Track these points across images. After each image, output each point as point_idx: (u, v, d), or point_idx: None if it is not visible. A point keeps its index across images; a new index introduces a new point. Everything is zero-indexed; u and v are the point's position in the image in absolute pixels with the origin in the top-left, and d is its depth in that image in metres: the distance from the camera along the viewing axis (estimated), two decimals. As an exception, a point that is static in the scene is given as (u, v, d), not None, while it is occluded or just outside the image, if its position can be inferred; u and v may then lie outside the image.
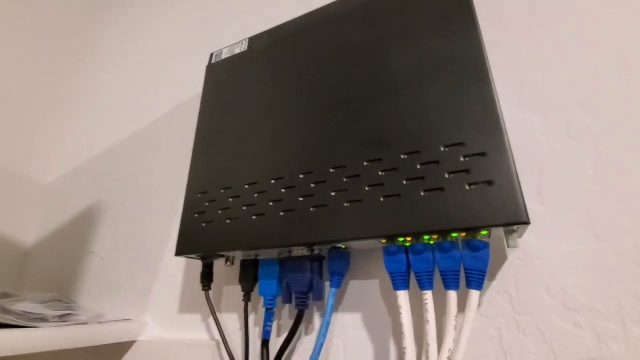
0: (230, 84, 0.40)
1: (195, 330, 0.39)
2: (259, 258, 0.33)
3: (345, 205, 0.27)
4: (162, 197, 0.50)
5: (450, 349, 0.22)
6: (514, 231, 0.23)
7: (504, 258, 0.27)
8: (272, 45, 0.39)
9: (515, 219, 0.21)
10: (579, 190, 0.26)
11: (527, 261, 0.26)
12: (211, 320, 0.38)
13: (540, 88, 0.30)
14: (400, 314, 0.24)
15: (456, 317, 0.22)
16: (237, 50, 0.41)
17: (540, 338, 0.24)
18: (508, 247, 0.23)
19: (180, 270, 0.43)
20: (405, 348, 0.23)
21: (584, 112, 0.28)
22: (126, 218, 0.53)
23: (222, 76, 0.41)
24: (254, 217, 0.30)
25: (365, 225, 0.25)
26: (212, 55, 0.44)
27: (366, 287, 0.31)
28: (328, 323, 0.27)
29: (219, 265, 0.37)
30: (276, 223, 0.29)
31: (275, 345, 0.32)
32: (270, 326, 0.30)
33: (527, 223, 0.21)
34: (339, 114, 0.30)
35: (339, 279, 0.29)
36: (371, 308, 0.30)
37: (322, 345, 0.27)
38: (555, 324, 0.24)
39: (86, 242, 0.55)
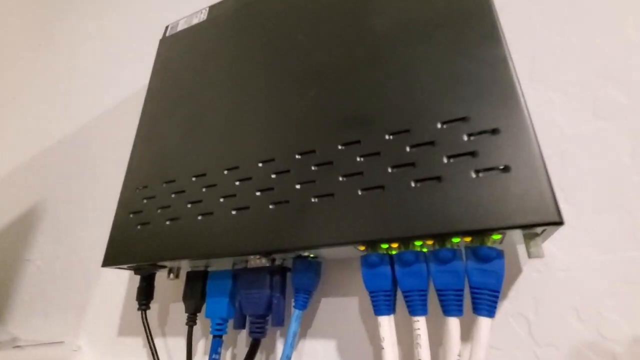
0: (184, 58, 0.33)
1: (135, 358, 0.31)
2: (209, 269, 0.27)
3: (313, 200, 0.20)
4: (111, 198, 0.43)
5: (452, 403, 0.15)
6: (536, 235, 0.17)
7: (517, 270, 0.21)
8: (235, 12, 0.32)
9: (543, 218, 0.15)
10: (613, 183, 0.20)
11: (548, 275, 0.20)
12: (158, 345, 0.31)
13: (558, 60, 0.24)
14: (383, 348, 0.18)
15: (459, 355, 0.16)
16: (195, 21, 0.35)
17: (569, 379, 0.18)
18: (530, 256, 0.17)
19: (123, 284, 0.36)
20: (388, 398, 0.17)
21: (614, 87, 0.22)
22: (69, 221, 0.45)
23: (175, 50, 0.34)
24: (199, 217, 0.24)
25: (337, 227, 0.19)
26: (166, 28, 0.37)
27: (342, 306, 0.24)
28: (287, 358, 0.21)
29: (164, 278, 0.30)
30: (226, 224, 0.23)
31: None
32: (217, 359, 0.23)
33: (560, 223, 0.15)
34: (310, 88, 0.24)
35: (304, 297, 0.22)
36: (348, 334, 0.23)
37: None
38: (587, 359, 0.18)
39: (22, 248, 0.47)
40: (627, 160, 0.20)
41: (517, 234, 0.17)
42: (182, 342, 0.29)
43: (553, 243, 0.20)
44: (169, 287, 0.32)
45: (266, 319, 0.23)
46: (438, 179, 0.18)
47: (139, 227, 0.26)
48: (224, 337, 0.25)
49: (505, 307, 0.20)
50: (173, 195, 0.26)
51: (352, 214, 0.19)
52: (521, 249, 0.21)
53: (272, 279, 0.23)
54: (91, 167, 0.47)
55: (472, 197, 0.17)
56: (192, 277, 0.26)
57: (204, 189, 0.25)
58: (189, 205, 0.25)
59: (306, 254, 0.21)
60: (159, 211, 0.26)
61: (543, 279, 0.20)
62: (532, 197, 0.16)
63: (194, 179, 0.26)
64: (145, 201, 0.27)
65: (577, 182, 0.21)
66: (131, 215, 0.27)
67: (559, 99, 0.23)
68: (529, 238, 0.17)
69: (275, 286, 0.23)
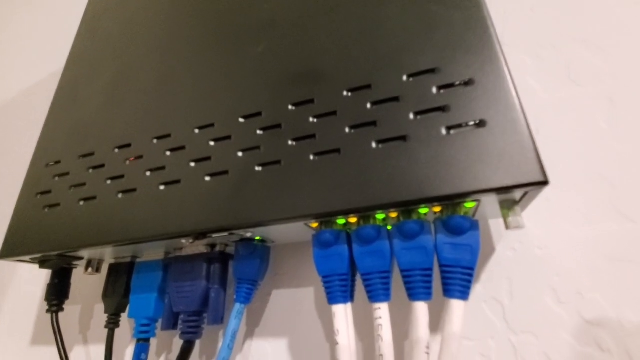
0: (111, 15, 0.28)
1: (51, 371, 0.26)
2: (137, 261, 0.22)
3: (257, 169, 0.17)
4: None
5: (419, 407, 0.12)
6: (515, 202, 0.14)
7: (490, 249, 0.18)
8: (177, -34, 0.28)
9: (526, 178, 0.12)
10: (591, 151, 0.18)
11: (523, 253, 0.18)
12: (76, 357, 0.26)
13: (531, 21, 0.22)
14: (337, 343, 0.14)
15: (428, 347, 0.13)
16: (131, -25, 0.30)
17: (549, 370, 0.16)
18: (508, 227, 0.14)
19: (39, 283, 0.30)
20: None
21: (590, 51, 0.21)
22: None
23: (102, 7, 0.29)
24: (119, 195, 0.19)
25: (283, 200, 0.16)
26: (98, -16, 0.32)
27: (296, 299, 0.21)
28: (225, 360, 0.17)
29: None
30: (152, 202, 0.18)
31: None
32: (141, 367, 0.19)
33: (545, 182, 0.12)
34: (258, 43, 0.21)
35: (248, 288, 0.18)
36: (302, 330, 0.20)
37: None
38: (569, 347, 0.16)
39: None
40: (605, 126, 0.19)
41: (493, 202, 0.14)
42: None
43: (528, 218, 0.18)
44: (96, 285, 0.27)
45: (202, 316, 0.19)
46: (403, 138, 0.15)
47: (46, 210, 0.21)
48: (153, 341, 0.21)
49: (477, 292, 0.18)
50: (90, 171, 0.21)
51: (302, 184, 0.16)
52: (495, 224, 0.19)
53: (209, 268, 0.19)
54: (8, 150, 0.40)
55: (443, 158, 0.14)
56: (114, 270, 0.22)
57: (127, 162, 0.20)
58: (109, 182, 0.20)
59: (249, 235, 0.18)
60: (71, 190, 0.21)
61: (518, 258, 0.18)
62: (511, 155, 0.13)
63: (116, 150, 0.21)
64: (56, 179, 0.22)
65: (553, 151, 0.19)
66: (38, 196, 0.22)
67: (533, 63, 0.21)
68: (506, 207, 0.14)
69: (213, 277, 0.19)
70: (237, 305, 0.18)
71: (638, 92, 0.19)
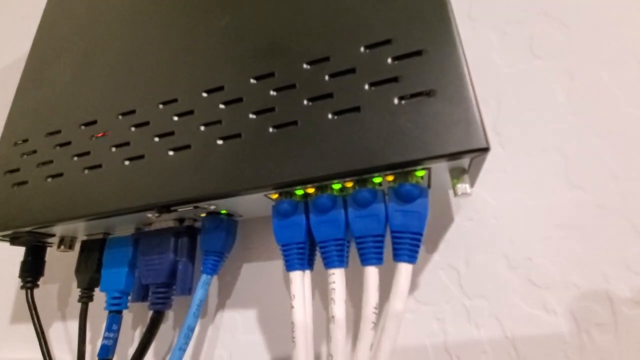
0: (81, -10, 0.28)
1: (31, 348, 0.27)
2: (110, 236, 0.22)
3: (218, 143, 0.17)
4: None
5: (365, 362, 0.13)
6: (464, 171, 0.15)
7: (449, 220, 0.19)
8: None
9: (469, 144, 0.13)
10: (548, 124, 0.19)
11: (480, 223, 0.18)
12: (55, 333, 0.26)
13: (496, -4, 0.22)
14: (293, 307, 0.15)
15: (376, 307, 0.14)
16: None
17: (498, 330, 0.17)
18: (455, 193, 0.15)
19: (14, 262, 0.30)
20: (296, 364, 0.14)
21: (551, 25, 0.21)
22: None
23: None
24: (85, 171, 0.20)
25: (243, 172, 0.16)
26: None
27: (265, 271, 0.21)
28: (190, 329, 0.18)
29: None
30: (117, 177, 0.19)
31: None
32: (112, 338, 0.20)
33: (486, 149, 0.13)
34: (221, 18, 0.20)
35: (214, 260, 0.19)
36: (271, 301, 0.21)
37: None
38: (518, 309, 0.17)
39: None
40: (562, 100, 0.19)
41: (443, 170, 0.15)
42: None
43: (485, 189, 0.19)
44: (73, 263, 0.27)
45: (171, 288, 0.19)
46: (357, 109, 0.15)
47: (14, 188, 0.21)
48: (126, 313, 0.21)
49: (435, 260, 0.19)
50: (57, 149, 0.21)
51: (262, 156, 0.16)
52: (454, 196, 0.19)
53: (177, 242, 0.19)
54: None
55: (394, 128, 0.14)
56: (86, 246, 0.22)
57: (93, 138, 0.20)
58: (75, 159, 0.20)
59: (212, 208, 0.18)
60: (39, 168, 0.21)
61: (475, 227, 0.18)
62: (457, 123, 0.13)
63: (82, 127, 0.21)
64: (24, 157, 0.22)
65: (512, 124, 0.19)
66: (6, 175, 0.22)
67: (497, 38, 0.21)
68: (456, 176, 0.15)
69: (181, 250, 0.19)
70: (204, 276, 0.19)
71: (597, 67, 0.19)
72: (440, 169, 0.15)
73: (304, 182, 0.15)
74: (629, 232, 0.16)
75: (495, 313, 0.17)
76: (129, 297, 0.20)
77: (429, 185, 0.17)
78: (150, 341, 0.19)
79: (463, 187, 0.14)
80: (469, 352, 0.17)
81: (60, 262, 0.28)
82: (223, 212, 0.19)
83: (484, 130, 0.13)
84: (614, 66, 0.19)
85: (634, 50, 0.19)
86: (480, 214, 0.19)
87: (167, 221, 0.20)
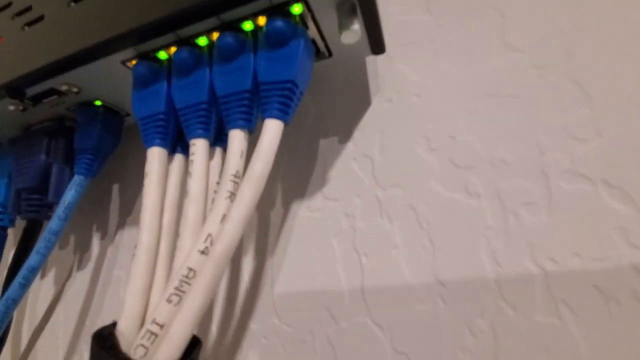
0: None
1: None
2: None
3: (71, 6, 0.14)
4: None
5: (210, 235, 0.10)
6: (354, 14, 0.11)
7: (365, 104, 0.16)
8: None
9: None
10: (484, -20, 0.15)
11: (400, 103, 0.15)
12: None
13: None
14: (144, 186, 0.12)
15: (236, 175, 0.11)
16: None
17: (412, 221, 0.14)
18: (342, 39, 0.11)
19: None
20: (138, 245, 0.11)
21: None
22: None
23: None
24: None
25: (90, 36, 0.13)
26: None
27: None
28: (52, 232, 0.15)
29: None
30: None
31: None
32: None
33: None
34: None
35: (87, 159, 0.16)
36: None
37: (21, 287, 0.15)
38: (436, 196, 0.14)
39: None
40: (503, -50, 0.15)
41: (327, 8, 0.12)
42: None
43: (407, 64, 0.15)
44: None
45: (46, 195, 0.17)
46: None
47: None
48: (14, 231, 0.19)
49: (348, 150, 0.15)
50: None
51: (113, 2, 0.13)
52: (373, 76, 0.16)
53: (50, 142, 0.17)
54: None
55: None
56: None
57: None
58: None
59: (64, 88, 0.15)
60: None
61: (394, 109, 0.15)
62: None
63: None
64: None
65: (442, -16, 0.16)
66: None
67: None
68: (345, 17, 0.12)
69: (55, 151, 0.17)
70: (76, 177, 0.16)
71: None
72: (322, 5, 0.11)
73: (155, 32, 0.12)
74: (573, 92, 0.13)
75: (410, 202, 0.14)
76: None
77: (329, 52, 0.14)
78: (25, 255, 0.16)
79: (349, 35, 0.11)
80: (378, 247, 0.14)
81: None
82: (97, 103, 0.16)
83: None
84: None
85: None
86: (401, 93, 0.15)
87: (44, 124, 0.17)
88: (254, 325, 0.15)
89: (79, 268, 0.20)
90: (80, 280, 0.20)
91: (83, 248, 0.20)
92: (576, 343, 0.11)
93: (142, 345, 0.09)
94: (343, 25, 0.11)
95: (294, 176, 0.16)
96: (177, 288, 0.10)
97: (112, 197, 0.20)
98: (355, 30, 0.11)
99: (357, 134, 0.16)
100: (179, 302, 0.09)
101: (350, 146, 0.16)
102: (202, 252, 0.10)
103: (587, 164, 0.12)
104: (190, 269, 0.10)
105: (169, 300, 0.10)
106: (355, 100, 0.16)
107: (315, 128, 0.16)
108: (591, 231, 0.11)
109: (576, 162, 0.12)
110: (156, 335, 0.09)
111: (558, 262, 0.12)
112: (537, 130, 0.13)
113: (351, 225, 0.15)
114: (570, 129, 0.13)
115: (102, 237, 0.20)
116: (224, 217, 0.10)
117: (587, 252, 0.11)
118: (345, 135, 0.16)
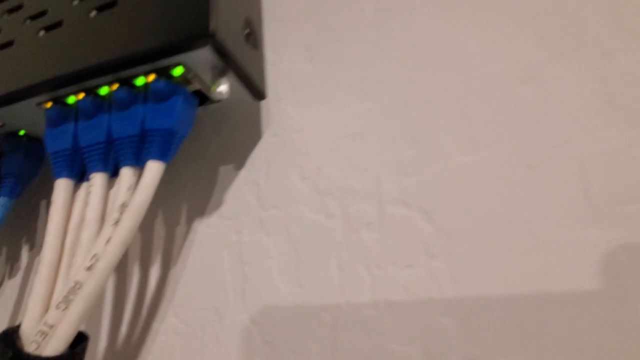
0: None
1: None
2: None
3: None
4: None
5: (95, 254, 0.13)
6: (223, 72, 0.15)
7: (256, 137, 0.19)
8: None
9: (192, 30, 0.13)
10: (353, 38, 0.19)
11: (283, 138, 0.19)
12: None
13: None
14: (49, 213, 0.15)
15: (123, 206, 0.14)
16: None
17: (284, 237, 0.17)
18: (212, 97, 0.14)
19: None
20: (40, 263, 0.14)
21: (372, -58, 0.20)
22: None
23: None
24: None
25: (9, 80, 0.15)
26: None
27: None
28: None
29: None
30: None
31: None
32: None
33: (211, 35, 0.12)
34: None
35: (13, 182, 0.18)
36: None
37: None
38: (303, 216, 0.17)
39: None
40: (370, 14, 0.19)
41: (205, 70, 0.15)
42: None
43: (291, 105, 0.19)
44: None
45: (-27, 213, 0.19)
46: (114, 4, 0.14)
47: None
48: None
49: (240, 177, 0.19)
50: None
51: (32, 57, 0.15)
52: (265, 113, 0.19)
53: (-22, 166, 0.19)
54: None
55: (144, 19, 0.14)
56: None
57: None
58: None
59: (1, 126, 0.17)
60: None
61: (278, 143, 0.19)
62: (187, 10, 0.13)
63: None
64: None
65: (321, 38, 0.19)
66: None
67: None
68: (216, 79, 0.15)
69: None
70: (1, 199, 0.18)
71: (409, -18, 0.19)
72: (198, 65, 0.14)
73: (65, 81, 0.15)
74: (405, 136, 0.16)
75: (284, 222, 0.17)
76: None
77: (209, 98, 0.16)
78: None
79: (219, 93, 0.14)
80: (258, 258, 0.17)
81: None
82: (21, 132, 0.18)
83: (208, 15, 0.13)
84: (421, -19, 0.19)
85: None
86: (285, 129, 0.19)
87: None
88: (156, 325, 0.18)
89: (10, 277, 0.22)
90: (11, 287, 0.22)
91: (13, 259, 0.22)
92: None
93: (35, 342, 0.12)
94: (213, 85, 0.14)
95: (197, 198, 0.19)
96: (65, 297, 0.12)
97: (40, 213, 0.22)
98: (221, 92, 0.14)
99: (249, 162, 0.19)
100: (65, 308, 0.12)
101: (242, 173, 0.19)
102: (88, 269, 0.13)
103: (409, 193, 0.16)
104: (77, 282, 0.12)
105: (57, 307, 0.12)
106: (249, 135, 0.19)
107: (216, 157, 0.19)
108: (405, 245, 0.15)
109: (402, 192, 0.16)
110: (46, 334, 0.12)
111: (382, 268, 0.15)
112: (378, 166, 0.17)
113: (239, 239, 0.18)
114: (400, 166, 0.16)
115: (30, 249, 0.22)
116: (109, 240, 0.13)
117: (401, 260, 0.15)
118: (239, 163, 0.19)
